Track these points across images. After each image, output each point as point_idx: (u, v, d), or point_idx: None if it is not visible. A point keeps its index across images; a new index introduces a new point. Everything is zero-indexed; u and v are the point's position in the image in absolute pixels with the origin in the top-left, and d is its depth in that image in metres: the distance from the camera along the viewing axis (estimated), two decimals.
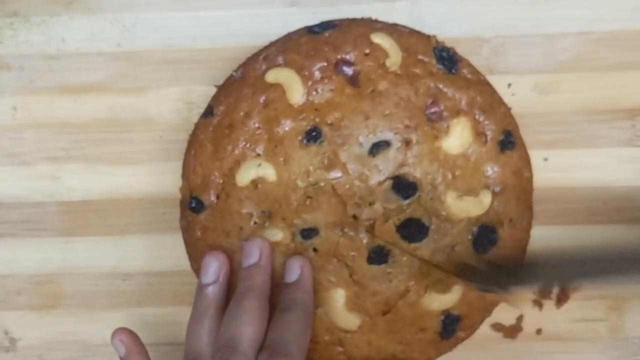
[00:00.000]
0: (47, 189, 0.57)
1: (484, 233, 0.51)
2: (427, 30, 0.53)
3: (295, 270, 0.50)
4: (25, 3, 0.57)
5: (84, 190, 0.57)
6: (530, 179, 0.53)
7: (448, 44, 0.53)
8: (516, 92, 0.56)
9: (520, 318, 0.56)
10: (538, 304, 0.56)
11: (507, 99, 0.53)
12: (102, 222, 0.57)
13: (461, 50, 0.53)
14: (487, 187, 0.51)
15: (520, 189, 0.52)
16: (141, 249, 0.57)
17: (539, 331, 0.56)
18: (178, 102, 0.57)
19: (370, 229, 0.50)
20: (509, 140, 0.52)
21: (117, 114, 0.57)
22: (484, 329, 0.55)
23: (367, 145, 0.50)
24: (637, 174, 0.55)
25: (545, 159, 0.56)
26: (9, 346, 0.58)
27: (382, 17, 0.54)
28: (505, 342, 0.57)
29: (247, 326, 0.46)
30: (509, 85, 0.56)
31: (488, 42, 0.56)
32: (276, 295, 0.50)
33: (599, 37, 0.56)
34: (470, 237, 0.51)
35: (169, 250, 0.57)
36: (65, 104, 0.57)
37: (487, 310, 0.52)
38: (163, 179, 0.57)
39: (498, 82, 0.53)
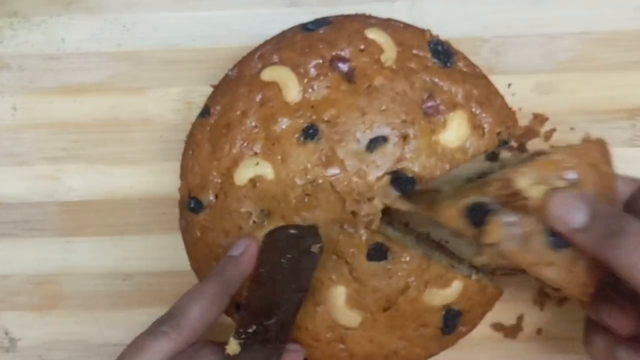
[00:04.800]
0: (47, 189, 0.57)
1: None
2: None
3: (239, 247, 0.49)
4: (25, 3, 0.57)
5: (84, 190, 0.57)
6: None
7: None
8: (516, 92, 0.56)
9: (520, 318, 0.56)
10: (539, 303, 0.56)
11: (507, 99, 0.53)
12: (102, 222, 0.57)
13: (461, 50, 0.53)
14: None
15: None
16: (141, 249, 0.57)
17: (539, 331, 0.56)
18: (178, 102, 0.57)
19: (369, 225, 0.50)
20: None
21: (117, 114, 0.57)
22: (485, 329, 0.55)
23: (365, 141, 0.50)
24: (637, 174, 0.55)
25: None
26: (9, 346, 0.58)
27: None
28: (506, 342, 0.56)
29: (196, 304, 0.46)
30: (509, 85, 0.56)
31: (488, 42, 0.56)
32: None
33: (599, 37, 0.56)
34: None
35: (169, 250, 0.57)
36: (65, 104, 0.57)
37: (488, 305, 0.52)
38: (163, 179, 0.57)
39: (498, 82, 0.53)
